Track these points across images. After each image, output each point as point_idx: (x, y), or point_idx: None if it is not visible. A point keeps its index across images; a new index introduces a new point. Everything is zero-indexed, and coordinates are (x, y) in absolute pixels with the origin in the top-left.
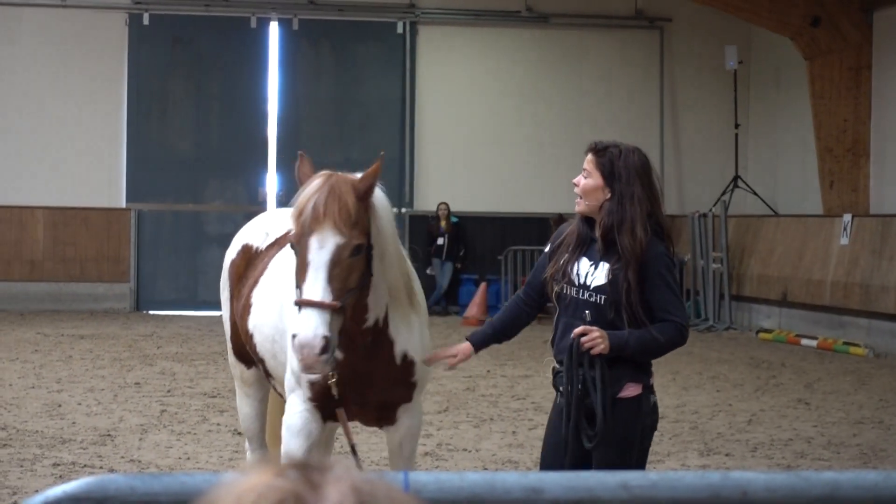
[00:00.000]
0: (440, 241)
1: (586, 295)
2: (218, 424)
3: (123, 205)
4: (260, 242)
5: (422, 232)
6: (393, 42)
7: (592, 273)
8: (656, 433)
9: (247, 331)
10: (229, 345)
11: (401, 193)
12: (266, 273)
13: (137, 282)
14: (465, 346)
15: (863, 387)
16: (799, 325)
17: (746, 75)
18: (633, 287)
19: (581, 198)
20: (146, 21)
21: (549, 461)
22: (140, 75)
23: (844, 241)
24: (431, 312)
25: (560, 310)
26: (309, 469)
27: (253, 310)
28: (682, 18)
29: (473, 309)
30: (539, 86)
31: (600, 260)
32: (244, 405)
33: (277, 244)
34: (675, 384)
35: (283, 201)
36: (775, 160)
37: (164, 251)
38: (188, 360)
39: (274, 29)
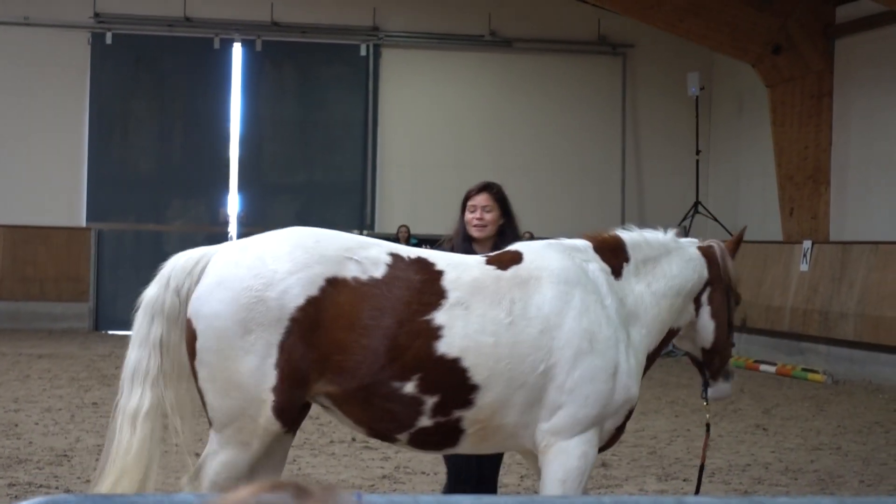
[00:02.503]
0: None
1: None
2: (176, 445)
3: (84, 224)
4: (358, 272)
5: None
6: (356, 64)
7: None
8: (615, 458)
9: (434, 356)
10: (271, 401)
11: (362, 215)
12: (455, 293)
13: (97, 301)
14: None
15: (821, 413)
16: (758, 351)
17: (708, 102)
18: None
19: (484, 227)
20: (109, 41)
21: (460, 462)
22: (102, 94)
23: (804, 267)
24: None
25: None
26: (297, 486)
27: (451, 332)
28: (645, 45)
29: None
30: (502, 110)
31: None
32: (243, 460)
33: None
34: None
35: (245, 222)
36: (736, 186)
37: (125, 271)
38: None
39: (237, 50)
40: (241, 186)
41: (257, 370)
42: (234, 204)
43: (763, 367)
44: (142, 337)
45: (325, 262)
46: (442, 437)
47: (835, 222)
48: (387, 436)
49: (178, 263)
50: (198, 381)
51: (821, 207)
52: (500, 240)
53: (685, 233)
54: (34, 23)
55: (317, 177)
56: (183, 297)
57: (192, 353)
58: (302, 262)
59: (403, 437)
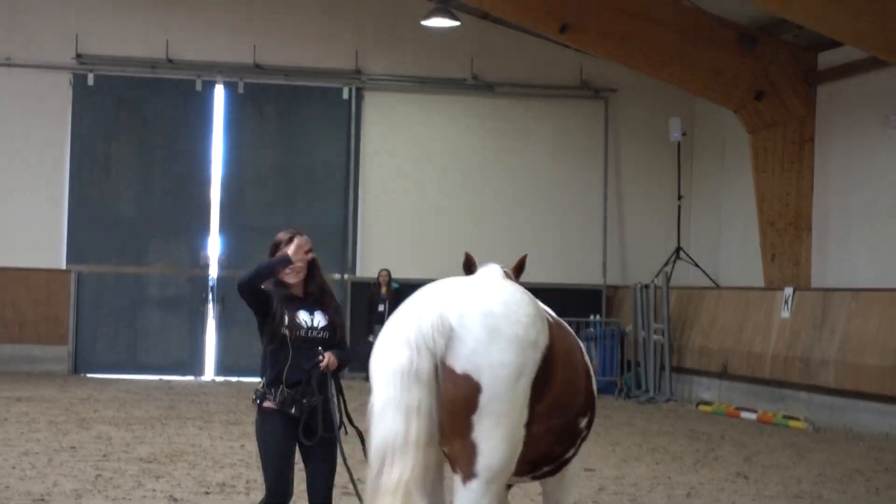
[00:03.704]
0: (381, 307)
1: (315, 334)
2: (154, 490)
3: (64, 266)
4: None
5: (363, 298)
6: (338, 107)
7: (312, 319)
8: None
9: (593, 393)
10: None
11: (343, 259)
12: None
13: (76, 344)
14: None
15: (802, 460)
16: (739, 398)
17: (690, 147)
18: (340, 324)
19: (299, 273)
20: (91, 82)
21: (280, 468)
22: (84, 136)
23: (785, 314)
24: None
25: (286, 348)
26: None
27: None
28: (627, 89)
29: None
30: (484, 153)
31: (314, 310)
32: None
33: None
34: (614, 455)
35: (225, 265)
36: (718, 232)
37: (105, 313)
38: (125, 424)
39: (219, 92)
40: (222, 228)
41: (524, 410)
42: (214, 246)
43: (744, 415)
44: (397, 404)
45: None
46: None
47: (816, 269)
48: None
49: (422, 326)
50: (472, 435)
51: (802, 254)
52: (314, 282)
53: (667, 279)
54: (16, 63)
55: (298, 219)
56: (438, 359)
57: (470, 408)
58: (536, 307)
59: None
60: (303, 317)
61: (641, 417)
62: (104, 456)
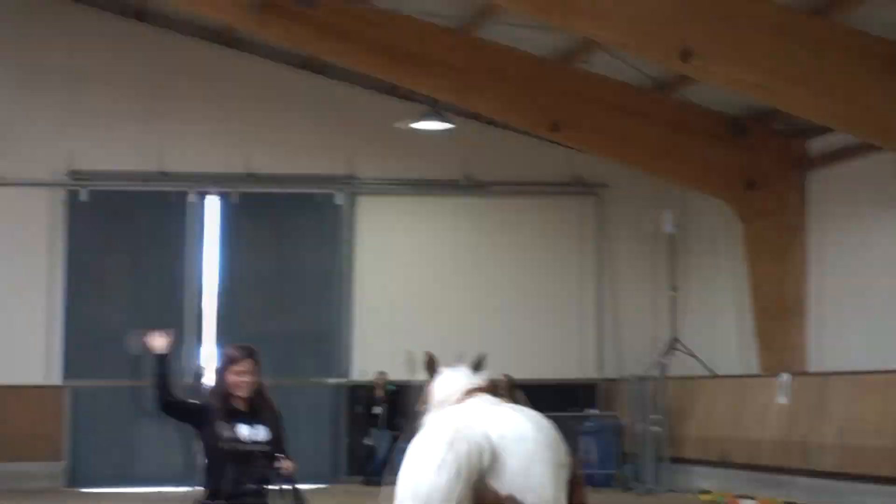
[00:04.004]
0: (377, 409)
1: (256, 448)
2: None
3: (60, 382)
4: None
5: (359, 402)
6: (332, 213)
7: (254, 433)
8: None
9: None
10: None
11: (338, 363)
12: None
13: (72, 460)
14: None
15: None
16: (739, 485)
17: (683, 238)
18: (283, 437)
19: (246, 388)
20: (84, 197)
21: None
22: (78, 250)
23: (783, 399)
24: (370, 483)
25: (223, 462)
26: None
27: None
28: (619, 184)
29: None
30: (477, 252)
31: (255, 423)
32: None
33: None
34: None
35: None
36: (713, 321)
37: (101, 427)
38: None
39: (212, 202)
40: (219, 337)
41: None
42: (210, 357)
43: (744, 502)
44: None
45: None
46: None
47: (813, 353)
48: None
49: (469, 452)
50: None
51: (798, 339)
52: (259, 396)
53: (663, 370)
54: (8, 182)
55: (293, 326)
56: (472, 484)
57: None
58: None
59: None
60: (243, 430)
61: None
62: None
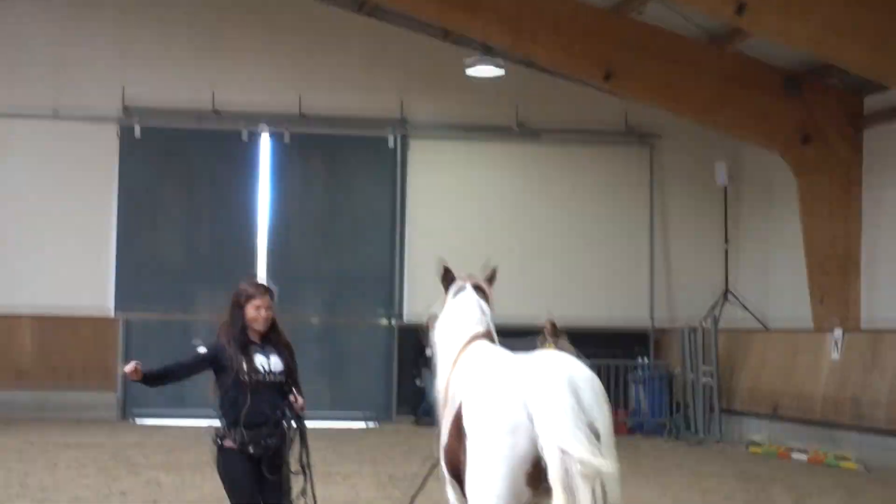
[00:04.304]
0: (429, 351)
1: (272, 378)
2: None
3: (112, 314)
4: None
5: (411, 343)
6: (384, 155)
7: (269, 363)
8: None
9: None
10: None
11: (390, 304)
12: None
13: (124, 391)
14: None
15: (853, 501)
16: (790, 439)
17: (737, 190)
18: (294, 368)
19: (263, 323)
20: (137, 133)
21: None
22: (131, 186)
23: (835, 355)
24: (420, 423)
25: (244, 393)
26: None
27: None
28: (672, 135)
29: None
30: (530, 199)
31: (270, 354)
32: None
33: None
34: (665, 498)
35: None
36: (766, 274)
37: (152, 359)
38: (174, 469)
39: (265, 142)
40: (269, 276)
41: None
42: None
43: (795, 456)
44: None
45: None
46: None
47: (866, 309)
48: None
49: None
50: None
51: (851, 295)
52: (273, 329)
53: (715, 321)
54: (63, 116)
55: (345, 266)
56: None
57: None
58: None
59: None
60: (260, 361)
61: (691, 459)
62: (154, 501)
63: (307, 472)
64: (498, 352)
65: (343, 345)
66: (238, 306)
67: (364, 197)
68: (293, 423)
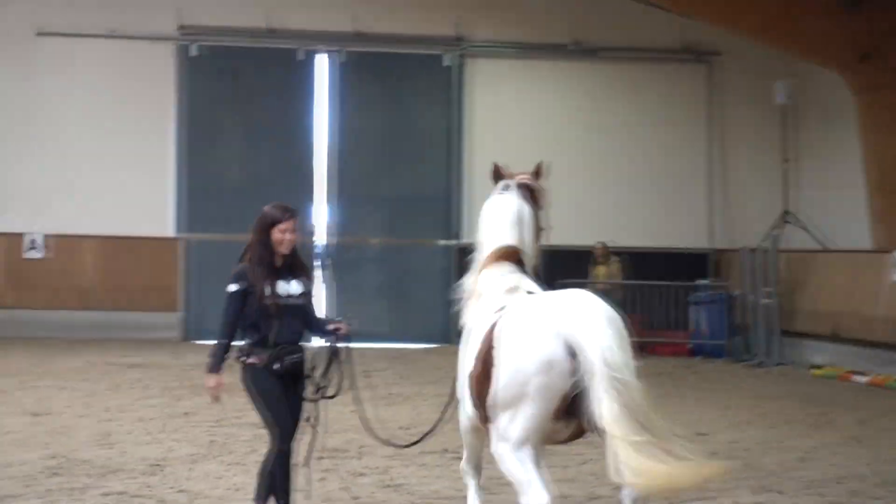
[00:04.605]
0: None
1: (293, 300)
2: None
3: (173, 234)
4: None
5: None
6: (441, 74)
7: (290, 287)
8: None
9: None
10: None
11: (448, 226)
12: None
13: (187, 311)
14: (216, 379)
15: None
16: (851, 361)
17: (795, 110)
18: (312, 290)
19: (288, 246)
20: (194, 52)
21: (284, 410)
22: (189, 106)
23: (895, 277)
24: None
25: (269, 315)
26: None
27: None
28: (731, 53)
29: None
30: (586, 119)
31: (291, 278)
32: None
33: None
34: (725, 420)
35: (332, 233)
36: (825, 195)
37: (214, 281)
38: (237, 390)
39: (321, 61)
40: (328, 197)
41: None
42: (320, 215)
43: (855, 378)
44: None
45: None
46: None
47: None
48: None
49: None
50: None
51: None
52: (293, 253)
53: (775, 243)
54: (121, 35)
55: (403, 187)
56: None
57: None
58: None
59: None
60: (282, 286)
61: (752, 381)
62: (218, 421)
63: (327, 394)
64: (514, 284)
65: (403, 266)
66: (265, 230)
67: (421, 116)
68: (335, 347)
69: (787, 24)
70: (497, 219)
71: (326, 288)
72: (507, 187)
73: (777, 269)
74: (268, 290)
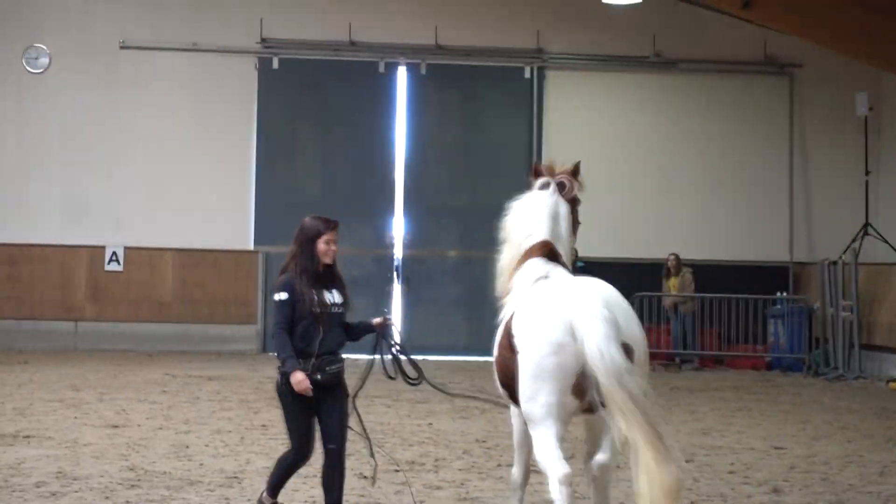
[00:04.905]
0: None
1: (336, 310)
2: (347, 468)
3: (252, 247)
4: None
5: None
6: (520, 86)
7: (333, 297)
8: (786, 483)
9: None
10: None
11: None
12: None
13: (265, 324)
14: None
15: None
16: None
17: (877, 121)
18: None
19: (332, 256)
20: (275, 65)
21: (307, 425)
22: (269, 119)
23: None
24: None
25: (315, 325)
26: None
27: None
28: (812, 64)
29: None
30: (666, 131)
31: (332, 288)
32: None
33: None
34: (804, 434)
35: (409, 245)
36: None
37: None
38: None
39: (402, 74)
40: (406, 209)
41: None
42: (399, 226)
43: None
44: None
45: None
46: None
47: None
48: None
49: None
50: None
51: None
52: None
53: (855, 255)
54: (202, 48)
55: (481, 199)
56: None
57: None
58: None
59: None
60: (326, 296)
61: (831, 395)
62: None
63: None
64: (544, 273)
65: (479, 278)
66: (310, 241)
67: (500, 128)
68: (392, 346)
69: (868, 35)
70: (532, 214)
71: (404, 300)
72: (543, 185)
73: (857, 282)
74: (316, 299)
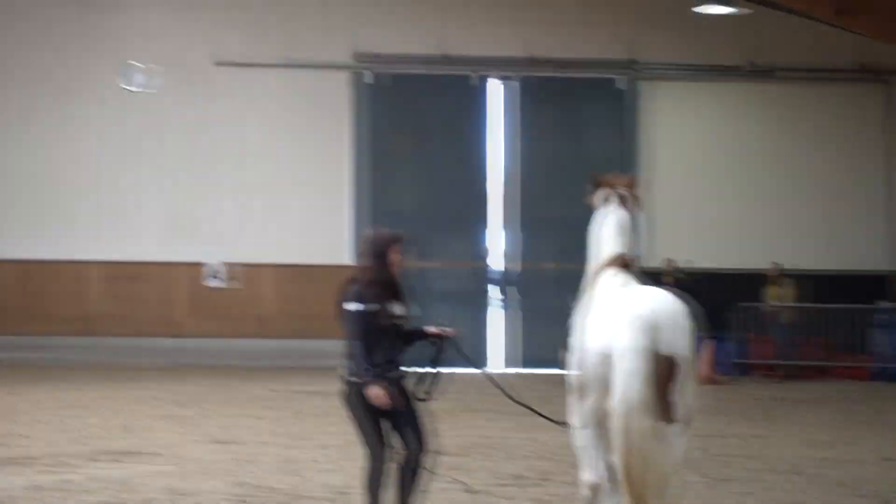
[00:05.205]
0: None
1: (400, 321)
2: (450, 482)
3: (349, 262)
4: None
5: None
6: (614, 98)
7: (399, 309)
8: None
9: None
10: None
11: None
12: None
13: None
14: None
15: None
16: None
17: None
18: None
19: (400, 267)
20: (369, 80)
21: (379, 431)
22: (363, 133)
23: None
24: None
25: (384, 332)
26: None
27: None
28: None
29: (702, 367)
30: (762, 140)
31: (398, 300)
32: None
33: None
34: None
35: (506, 258)
36: None
37: None
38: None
39: (494, 86)
40: (503, 222)
41: None
42: (494, 240)
43: None
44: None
45: None
46: None
47: None
48: None
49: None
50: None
51: None
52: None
53: None
54: (297, 64)
55: (577, 212)
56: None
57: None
58: None
59: None
60: (395, 308)
61: None
62: (398, 449)
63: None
64: (612, 285)
65: (576, 291)
66: (381, 253)
67: (596, 141)
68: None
69: None
70: (605, 229)
71: (505, 313)
72: (607, 199)
73: None
74: (387, 311)
